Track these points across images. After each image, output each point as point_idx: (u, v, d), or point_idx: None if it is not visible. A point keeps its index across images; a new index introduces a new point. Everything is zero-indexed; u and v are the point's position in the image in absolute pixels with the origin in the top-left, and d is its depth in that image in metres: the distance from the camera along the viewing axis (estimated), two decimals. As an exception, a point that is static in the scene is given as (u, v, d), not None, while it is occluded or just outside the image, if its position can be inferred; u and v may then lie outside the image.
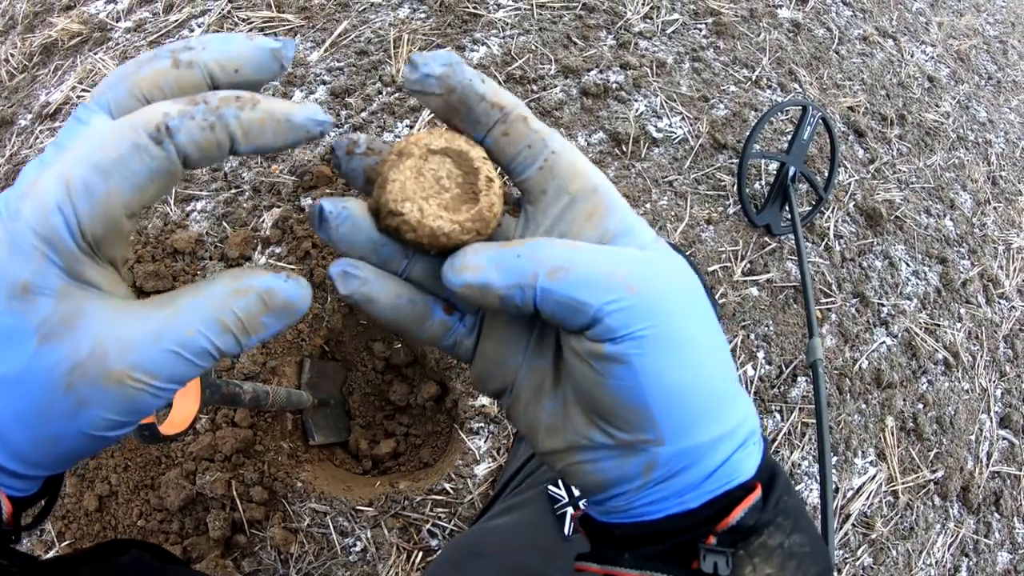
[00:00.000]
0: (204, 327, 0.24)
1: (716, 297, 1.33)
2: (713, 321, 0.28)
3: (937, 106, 1.92)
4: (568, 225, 0.27)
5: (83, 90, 1.41)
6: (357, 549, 1.03)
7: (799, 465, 1.26)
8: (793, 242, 1.44)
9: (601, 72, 1.54)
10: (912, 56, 2.01)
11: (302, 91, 1.41)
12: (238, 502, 1.01)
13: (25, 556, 0.30)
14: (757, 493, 0.28)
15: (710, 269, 1.36)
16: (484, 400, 1.15)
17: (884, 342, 1.44)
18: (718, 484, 0.28)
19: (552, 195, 0.28)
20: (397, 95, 1.41)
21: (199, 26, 1.51)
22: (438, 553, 1.01)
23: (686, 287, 0.27)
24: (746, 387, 1.27)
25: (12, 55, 1.54)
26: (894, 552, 1.27)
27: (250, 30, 1.50)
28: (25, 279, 0.22)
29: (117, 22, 1.56)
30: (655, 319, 0.25)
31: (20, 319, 0.22)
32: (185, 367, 0.24)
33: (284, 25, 1.51)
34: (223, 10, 1.53)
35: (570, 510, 0.69)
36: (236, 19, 1.52)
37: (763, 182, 1.53)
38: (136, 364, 0.23)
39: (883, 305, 1.48)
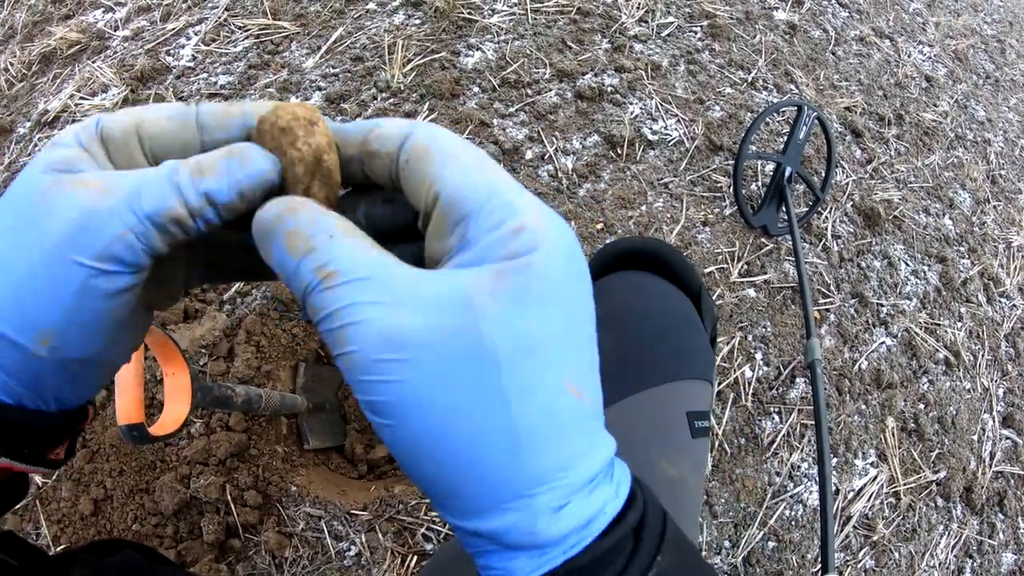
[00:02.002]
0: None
1: (713, 299, 1.33)
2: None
3: (935, 105, 1.92)
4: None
5: (81, 98, 1.42)
6: (352, 553, 1.02)
7: (798, 467, 1.25)
8: (790, 243, 1.43)
9: (596, 75, 1.54)
10: (909, 56, 2.01)
11: (298, 97, 1.41)
12: (232, 506, 1.00)
13: (33, 550, 0.31)
14: None
15: (706, 270, 1.35)
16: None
17: (884, 342, 1.43)
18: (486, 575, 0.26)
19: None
20: (392, 100, 1.42)
21: (196, 34, 1.52)
22: (431, 557, 1.01)
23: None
24: (744, 389, 1.26)
25: (11, 64, 1.55)
26: (896, 554, 1.25)
27: (246, 37, 1.51)
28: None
29: (115, 31, 1.57)
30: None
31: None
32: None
33: (280, 32, 1.52)
34: (220, 18, 1.54)
35: None
36: (232, 27, 1.53)
37: (759, 183, 1.52)
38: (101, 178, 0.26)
39: (882, 305, 1.47)
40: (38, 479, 1.03)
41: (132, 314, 0.28)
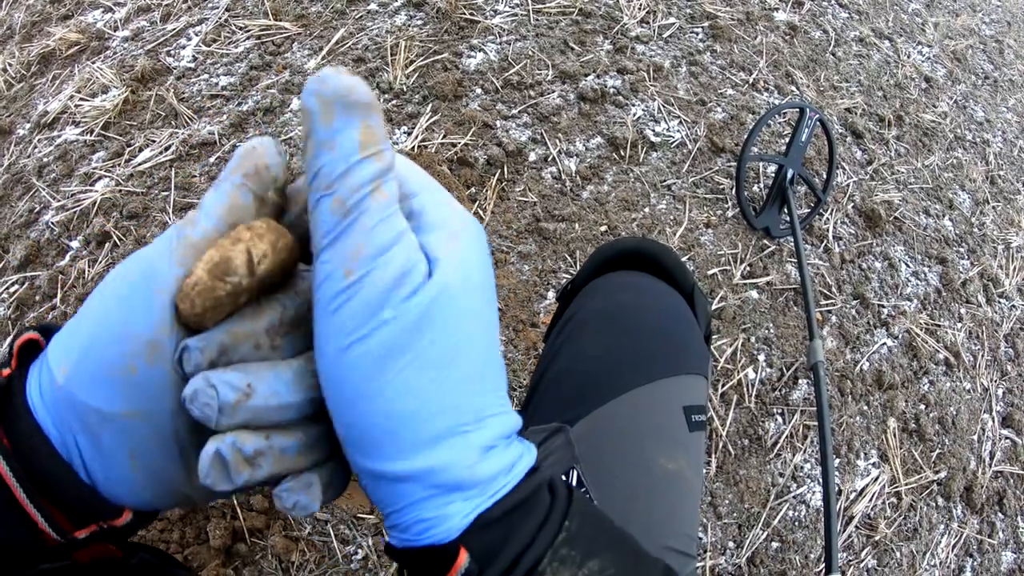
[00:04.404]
0: None
1: (715, 301, 1.33)
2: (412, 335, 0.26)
3: (934, 106, 1.92)
4: None
5: (81, 99, 1.41)
6: (359, 557, 1.02)
7: (801, 468, 1.25)
8: (792, 245, 1.44)
9: (598, 77, 1.54)
10: (909, 57, 2.01)
11: (299, 99, 1.41)
12: (239, 511, 1.00)
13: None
14: (462, 562, 0.26)
15: (709, 272, 1.36)
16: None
17: (885, 343, 1.43)
18: (412, 535, 0.27)
19: None
20: (395, 102, 1.41)
21: (196, 35, 1.51)
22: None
23: None
24: (747, 391, 1.27)
25: (10, 64, 1.54)
26: (898, 553, 1.26)
27: (247, 38, 1.50)
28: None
29: (115, 31, 1.56)
30: None
31: None
32: None
33: (281, 33, 1.51)
34: (220, 19, 1.53)
35: None
36: (233, 27, 1.52)
37: (761, 185, 1.53)
38: None
39: (883, 306, 1.48)
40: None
41: (164, 389, 0.27)
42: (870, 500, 1.27)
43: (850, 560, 1.23)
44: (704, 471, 1.19)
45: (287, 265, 0.28)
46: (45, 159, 1.35)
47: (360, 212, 0.25)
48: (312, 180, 0.26)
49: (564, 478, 0.58)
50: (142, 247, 0.31)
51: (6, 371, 0.29)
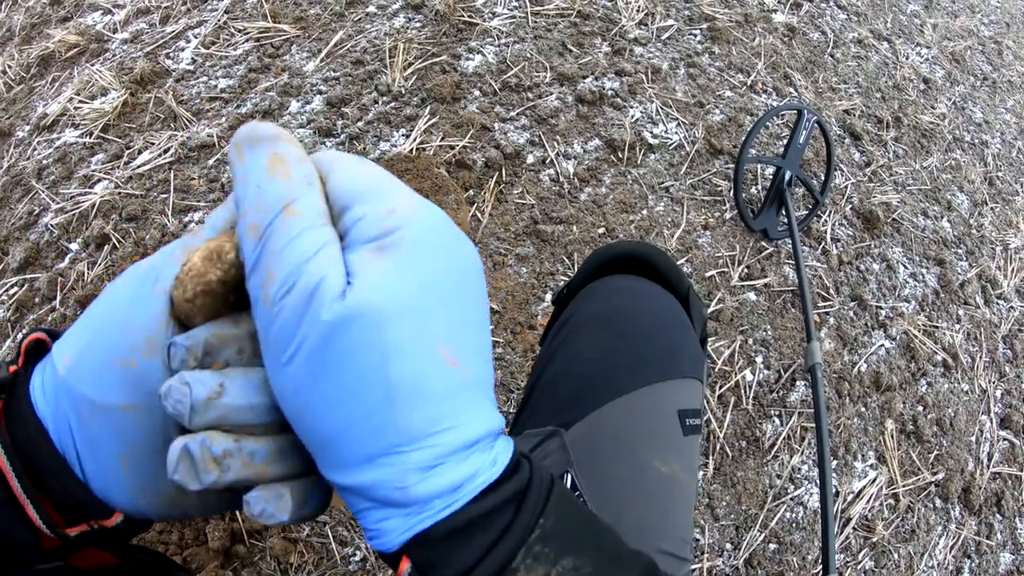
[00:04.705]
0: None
1: (713, 302, 1.33)
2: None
3: (933, 108, 1.93)
4: None
5: (80, 101, 1.41)
6: (357, 559, 1.03)
7: (799, 470, 1.26)
8: (790, 246, 1.44)
9: (596, 79, 1.54)
10: (907, 58, 2.02)
11: (298, 101, 1.41)
12: (237, 512, 1.00)
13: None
14: (403, 570, 0.27)
15: (707, 274, 1.36)
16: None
17: (883, 345, 1.44)
18: (366, 537, 0.28)
19: None
20: (393, 104, 1.42)
21: (195, 37, 1.52)
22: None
23: None
24: (745, 392, 1.27)
25: (9, 67, 1.54)
26: (895, 555, 1.26)
27: (246, 41, 1.51)
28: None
29: (114, 33, 1.56)
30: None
31: None
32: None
33: (280, 35, 1.51)
34: (219, 21, 1.54)
35: None
36: (232, 30, 1.52)
37: (759, 187, 1.53)
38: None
39: (881, 308, 1.48)
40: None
41: (159, 384, 0.27)
42: (868, 502, 1.27)
43: (848, 561, 1.23)
44: (700, 473, 1.19)
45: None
46: (44, 161, 1.35)
47: (269, 235, 0.25)
48: (237, 213, 0.27)
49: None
50: (141, 249, 0.32)
51: (12, 368, 0.30)
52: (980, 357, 1.53)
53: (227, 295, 0.27)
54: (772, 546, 1.18)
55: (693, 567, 1.12)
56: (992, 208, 1.80)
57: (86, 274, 1.21)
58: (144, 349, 0.27)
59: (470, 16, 1.57)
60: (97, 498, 0.29)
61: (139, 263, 0.29)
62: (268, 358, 0.26)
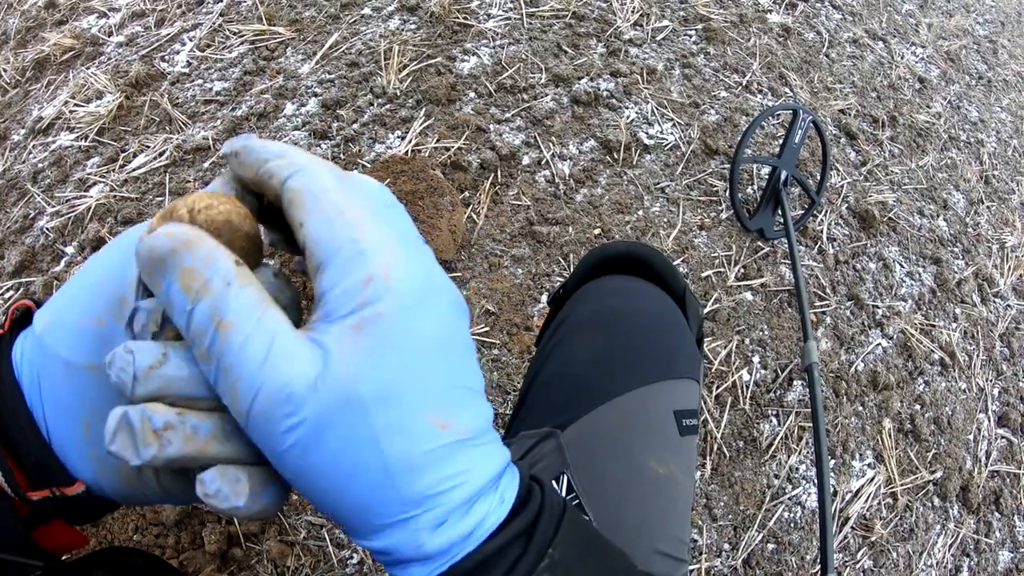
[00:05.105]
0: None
1: (709, 303, 1.33)
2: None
3: (928, 107, 1.93)
4: None
5: (76, 105, 1.41)
6: (354, 562, 1.02)
7: (796, 469, 1.26)
8: (786, 246, 1.44)
9: (592, 80, 1.54)
10: (902, 58, 2.02)
11: (293, 103, 1.41)
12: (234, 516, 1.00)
13: (43, 553, 0.32)
14: None
15: (703, 274, 1.36)
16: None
17: (880, 344, 1.44)
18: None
19: None
20: (388, 106, 1.42)
21: (190, 40, 1.52)
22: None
23: None
24: (742, 392, 1.27)
25: (5, 70, 1.54)
26: (894, 554, 1.26)
27: (241, 43, 1.51)
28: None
29: (109, 36, 1.56)
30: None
31: None
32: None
33: (275, 38, 1.51)
34: (214, 24, 1.54)
35: None
36: (227, 32, 1.52)
37: (755, 187, 1.53)
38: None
39: (878, 307, 1.48)
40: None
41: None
42: (866, 501, 1.27)
43: (846, 561, 1.23)
44: (698, 474, 1.19)
45: (240, 240, 0.28)
46: (40, 165, 1.35)
47: (217, 356, 0.25)
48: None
49: (555, 484, 0.58)
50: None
51: None
52: (977, 355, 1.53)
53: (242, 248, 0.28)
54: (770, 546, 1.18)
55: (691, 568, 1.12)
56: (988, 207, 1.81)
57: (81, 278, 1.21)
58: (115, 310, 0.28)
59: (465, 18, 1.57)
60: (60, 463, 0.30)
61: (122, 233, 0.30)
62: (265, 454, 0.26)
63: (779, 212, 1.43)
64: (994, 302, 1.64)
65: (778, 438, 1.26)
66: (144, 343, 0.25)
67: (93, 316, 0.28)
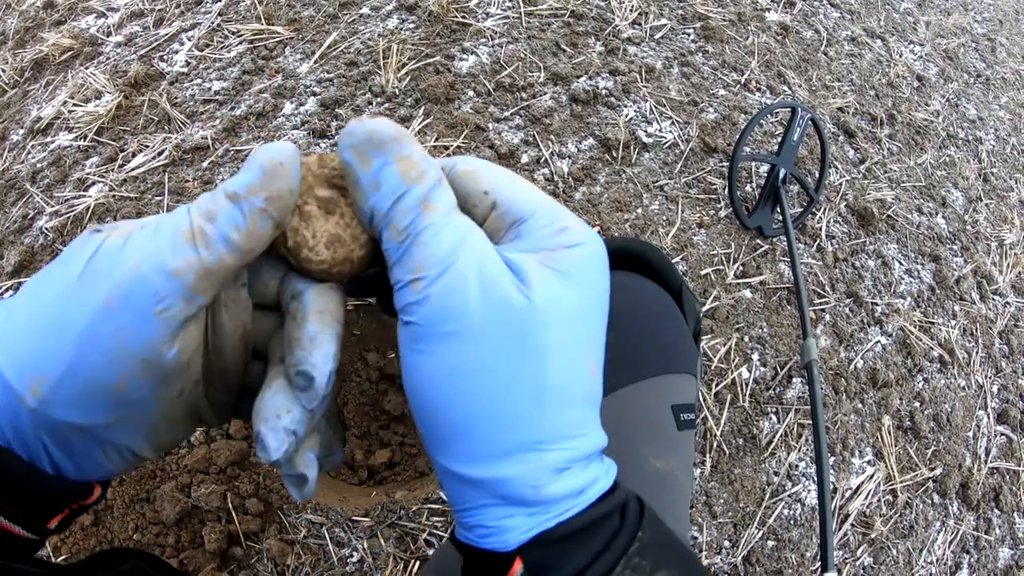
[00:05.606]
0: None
1: (709, 300, 1.33)
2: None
3: (927, 105, 1.93)
4: None
5: (75, 104, 1.41)
6: (354, 560, 1.02)
7: (796, 467, 1.26)
8: (785, 244, 1.44)
9: (590, 79, 1.54)
10: (901, 56, 2.02)
11: (292, 102, 1.41)
12: (233, 514, 1.00)
13: (41, 562, 0.31)
14: (515, 572, 0.27)
15: (702, 272, 1.36)
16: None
17: (879, 341, 1.44)
18: (474, 536, 0.28)
19: None
20: (387, 106, 1.42)
21: (189, 40, 1.52)
22: (429, 558, 1.01)
23: None
24: (741, 390, 1.27)
25: (3, 70, 1.54)
26: (894, 551, 1.26)
27: (240, 43, 1.51)
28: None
29: (108, 36, 1.56)
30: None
31: None
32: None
33: (274, 37, 1.51)
34: (213, 23, 1.54)
35: None
36: (226, 32, 1.52)
37: (754, 185, 1.53)
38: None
39: (877, 304, 1.48)
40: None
41: (149, 394, 0.26)
42: (866, 498, 1.27)
43: (846, 558, 1.23)
44: (698, 471, 1.19)
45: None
46: (39, 165, 1.35)
47: (414, 231, 0.26)
48: (370, 220, 0.28)
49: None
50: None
51: None
52: (976, 353, 1.53)
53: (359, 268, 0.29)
54: (770, 543, 1.18)
55: (691, 565, 1.12)
56: (987, 204, 1.81)
57: (80, 277, 1.20)
58: (139, 372, 0.25)
59: (463, 17, 1.58)
60: (74, 483, 0.29)
61: (117, 263, 0.25)
62: (406, 347, 0.26)
63: (778, 210, 1.43)
64: (993, 299, 1.64)
65: (778, 435, 1.26)
66: (286, 443, 0.27)
67: (112, 383, 0.25)
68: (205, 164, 1.33)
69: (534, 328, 0.26)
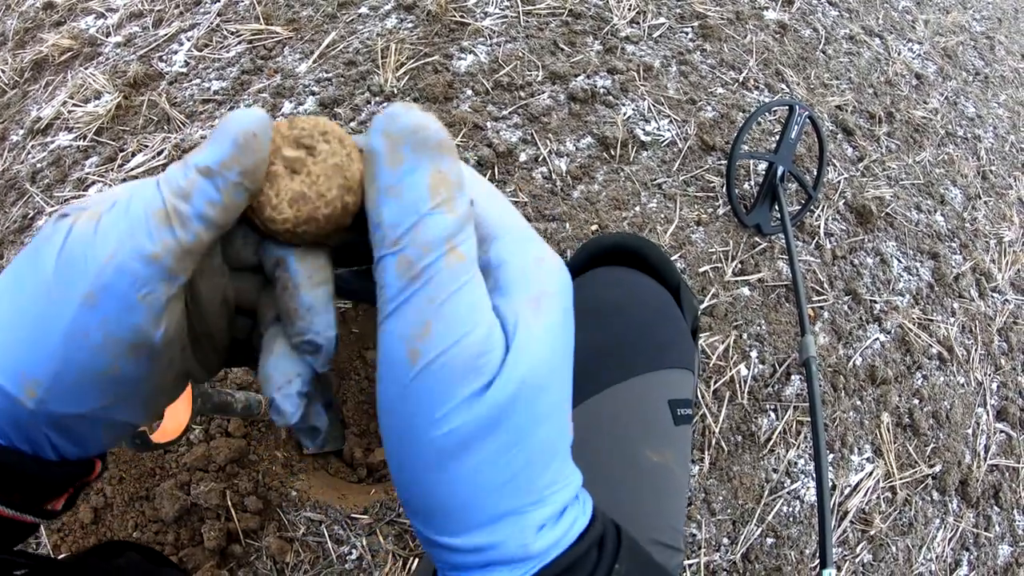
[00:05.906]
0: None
1: (707, 298, 1.33)
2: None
3: (925, 103, 1.93)
4: None
5: (74, 105, 1.42)
6: (353, 557, 1.02)
7: (795, 464, 1.26)
8: (783, 241, 1.44)
9: (588, 77, 1.55)
10: (899, 54, 2.02)
11: (291, 102, 1.41)
12: (233, 512, 1.00)
13: (34, 556, 0.32)
14: None
15: (701, 270, 1.36)
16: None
17: (878, 338, 1.44)
18: None
19: None
20: (385, 104, 1.42)
21: (188, 40, 1.52)
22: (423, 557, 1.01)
23: None
24: (740, 387, 1.27)
25: (3, 71, 1.55)
26: (894, 548, 1.26)
27: (239, 43, 1.51)
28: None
29: (107, 37, 1.57)
30: None
31: None
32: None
33: (272, 37, 1.52)
34: (212, 24, 1.54)
35: None
36: (225, 32, 1.53)
37: (752, 182, 1.53)
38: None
39: (875, 302, 1.48)
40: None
41: (141, 372, 0.26)
42: (865, 495, 1.27)
43: (845, 555, 1.23)
44: (696, 468, 1.19)
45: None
46: (38, 165, 1.35)
47: (429, 278, 0.23)
48: (375, 232, 0.24)
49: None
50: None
51: None
52: (975, 350, 1.53)
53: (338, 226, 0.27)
54: (769, 540, 1.18)
55: (690, 562, 1.12)
56: (985, 202, 1.81)
57: (80, 276, 1.21)
58: (128, 354, 0.25)
59: (462, 16, 1.58)
60: (75, 463, 0.29)
61: (88, 244, 0.24)
62: (393, 419, 0.25)
63: (776, 207, 1.43)
64: (992, 297, 1.64)
65: (776, 432, 1.26)
66: (298, 404, 0.27)
67: (103, 370, 0.25)
68: (204, 163, 1.33)
69: (530, 398, 0.24)
